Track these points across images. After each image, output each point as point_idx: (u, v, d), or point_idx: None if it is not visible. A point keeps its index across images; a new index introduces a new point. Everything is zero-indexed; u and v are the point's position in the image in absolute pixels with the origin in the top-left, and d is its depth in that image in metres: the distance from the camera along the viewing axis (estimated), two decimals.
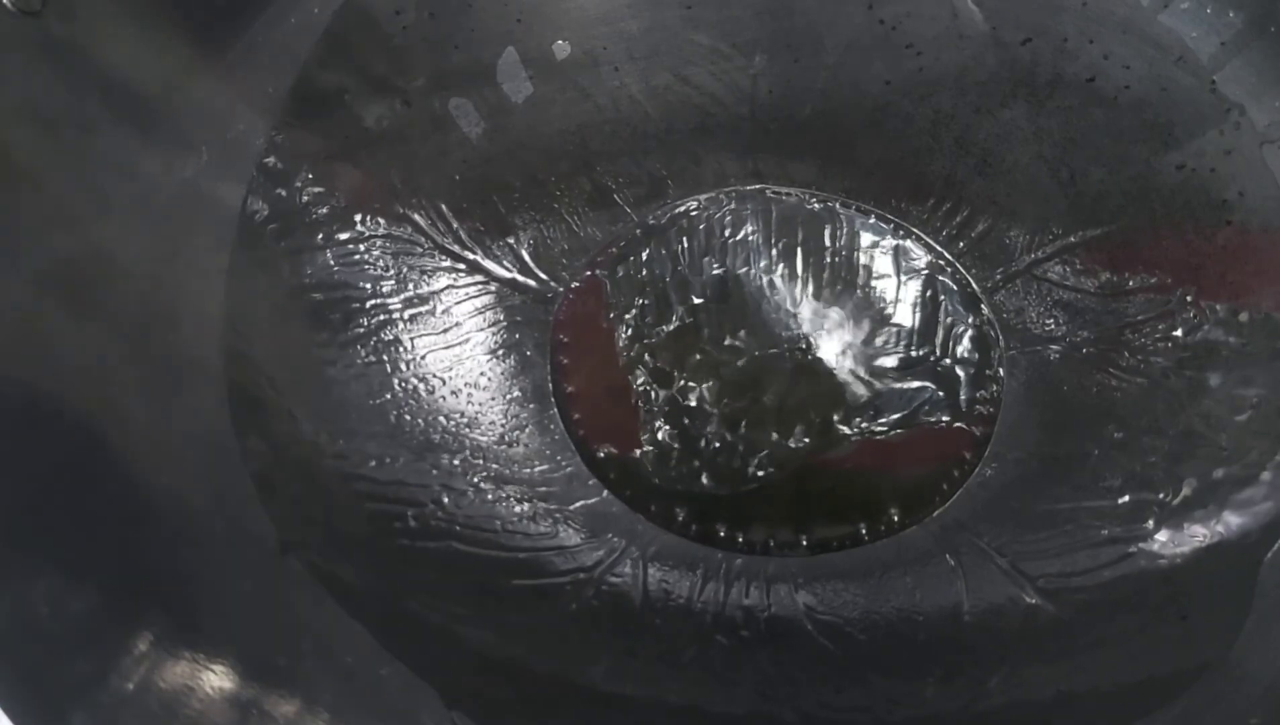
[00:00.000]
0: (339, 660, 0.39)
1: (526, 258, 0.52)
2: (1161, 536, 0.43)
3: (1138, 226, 0.49)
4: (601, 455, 0.49)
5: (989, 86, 0.51)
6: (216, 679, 0.36)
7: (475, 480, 0.46)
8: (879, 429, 0.48)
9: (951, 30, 0.52)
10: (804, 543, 0.46)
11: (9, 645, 0.33)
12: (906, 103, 0.52)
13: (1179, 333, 0.47)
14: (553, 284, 0.52)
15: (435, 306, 0.50)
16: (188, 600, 0.38)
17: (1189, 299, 0.47)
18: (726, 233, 0.53)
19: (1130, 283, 0.48)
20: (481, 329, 0.51)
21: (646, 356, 0.51)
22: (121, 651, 0.35)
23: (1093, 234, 0.50)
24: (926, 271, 0.51)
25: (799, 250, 0.52)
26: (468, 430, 0.47)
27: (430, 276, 0.50)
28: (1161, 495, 0.44)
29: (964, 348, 0.50)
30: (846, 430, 0.48)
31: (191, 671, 0.36)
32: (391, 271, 0.49)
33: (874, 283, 0.51)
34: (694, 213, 0.54)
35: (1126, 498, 0.44)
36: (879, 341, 0.50)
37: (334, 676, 0.39)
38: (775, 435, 0.48)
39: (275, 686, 0.37)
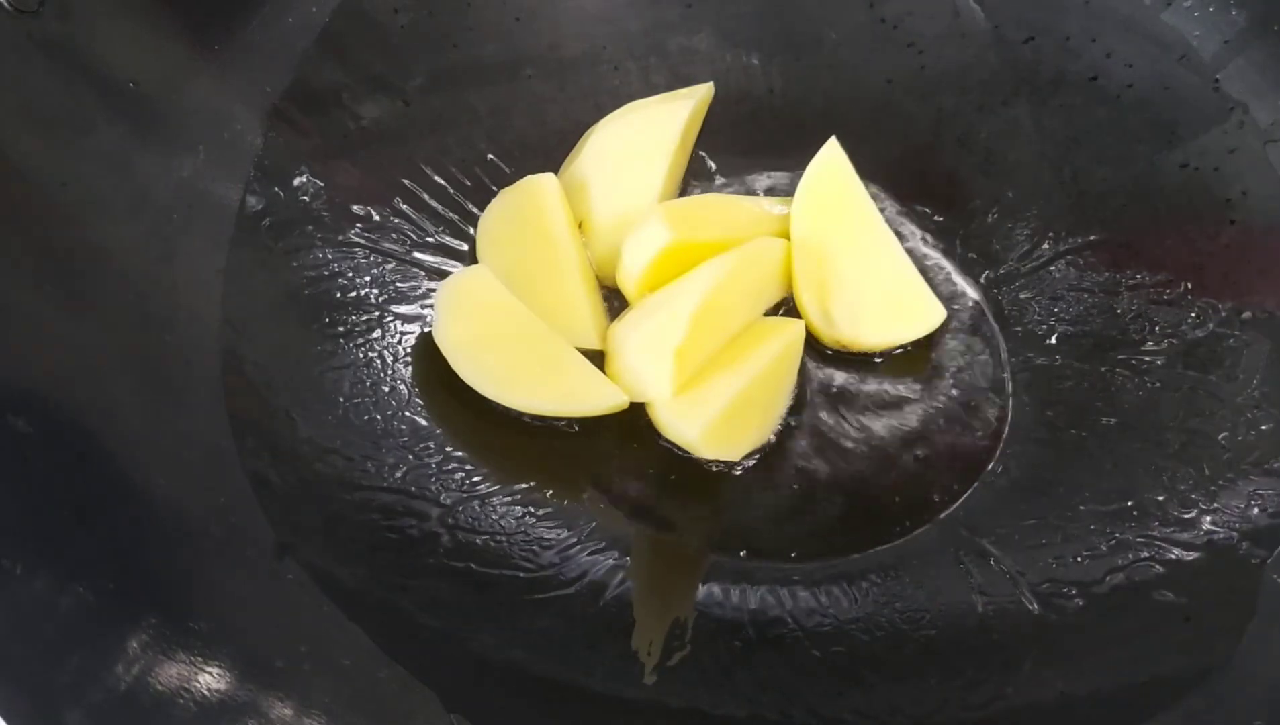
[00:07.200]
0: (336, 662, 0.39)
1: None
2: (1165, 538, 0.43)
3: (1141, 225, 0.49)
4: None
5: (991, 85, 0.51)
6: (212, 680, 0.36)
7: (474, 486, 0.45)
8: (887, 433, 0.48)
9: (953, 28, 0.51)
10: (810, 550, 0.46)
11: (4, 645, 0.33)
12: (908, 101, 0.52)
13: (1182, 331, 0.47)
14: None
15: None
16: (184, 601, 0.37)
17: (1192, 298, 0.47)
18: None
19: (1133, 281, 0.48)
20: None
21: None
22: (117, 652, 0.34)
23: (1096, 233, 0.49)
24: (932, 272, 0.51)
25: None
26: (467, 433, 0.47)
27: (428, 275, 0.50)
28: (1164, 497, 0.44)
29: (969, 349, 0.49)
30: (855, 435, 0.48)
31: (187, 673, 0.35)
32: (389, 270, 0.49)
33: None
34: None
35: (1129, 500, 0.44)
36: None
37: (331, 679, 0.39)
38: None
39: (272, 688, 0.37)
